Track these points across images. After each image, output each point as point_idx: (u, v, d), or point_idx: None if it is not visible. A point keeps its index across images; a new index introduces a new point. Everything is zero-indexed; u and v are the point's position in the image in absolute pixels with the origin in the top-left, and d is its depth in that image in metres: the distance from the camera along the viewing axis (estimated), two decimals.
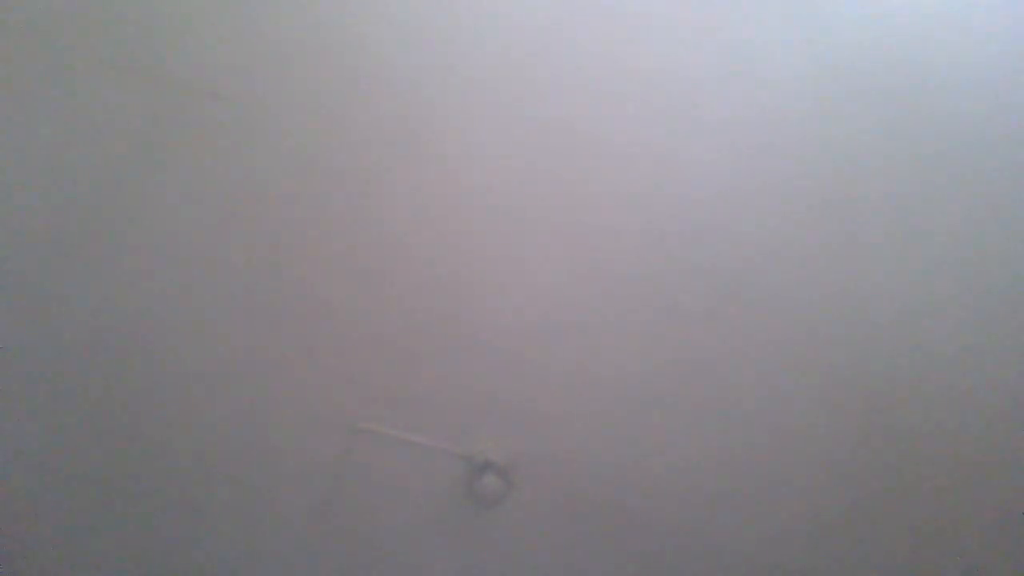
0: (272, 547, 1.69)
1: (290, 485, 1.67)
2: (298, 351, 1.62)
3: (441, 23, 1.53)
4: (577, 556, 1.75)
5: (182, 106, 1.52)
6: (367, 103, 1.55)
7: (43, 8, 1.47)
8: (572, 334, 1.67)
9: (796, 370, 1.71)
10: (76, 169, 1.53)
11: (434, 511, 1.71)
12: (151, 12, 1.49)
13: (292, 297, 1.60)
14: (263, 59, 1.52)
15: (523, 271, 1.63)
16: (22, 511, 1.61)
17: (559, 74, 1.56)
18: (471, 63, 1.55)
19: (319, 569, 1.71)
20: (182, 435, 1.62)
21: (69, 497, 1.62)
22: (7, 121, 1.50)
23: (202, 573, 1.68)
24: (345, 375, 1.64)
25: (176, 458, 1.63)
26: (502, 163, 1.59)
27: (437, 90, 1.55)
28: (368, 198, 1.58)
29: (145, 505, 1.64)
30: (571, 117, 1.58)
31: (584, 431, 1.70)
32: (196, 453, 1.63)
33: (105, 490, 1.63)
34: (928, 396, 1.73)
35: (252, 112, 1.54)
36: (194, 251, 1.57)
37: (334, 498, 1.68)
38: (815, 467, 1.75)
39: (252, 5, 1.50)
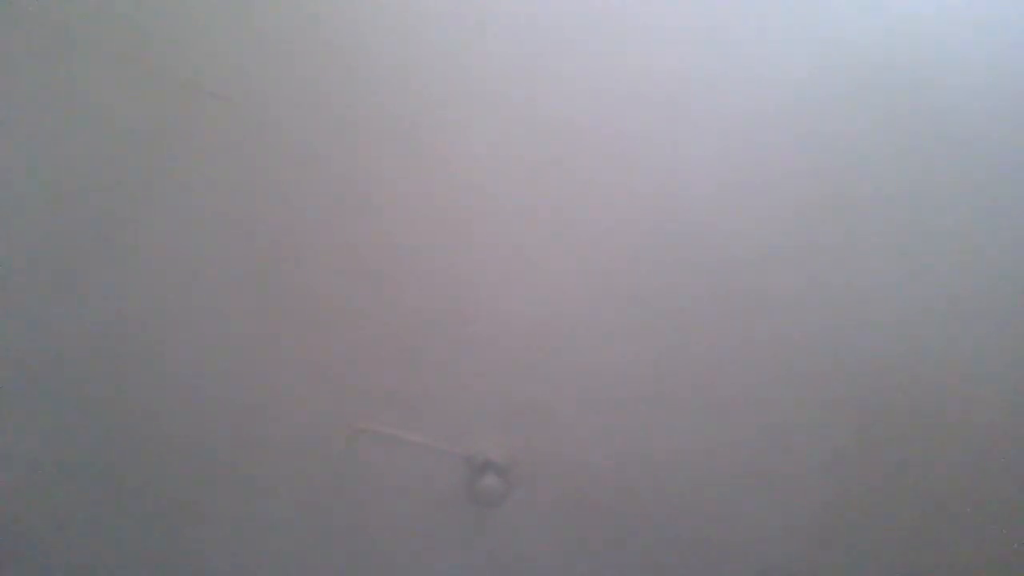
0: (272, 547, 1.69)
1: (290, 485, 1.67)
2: (298, 351, 1.62)
3: (442, 23, 1.53)
4: (577, 556, 1.75)
5: (182, 106, 1.52)
6: (368, 103, 1.55)
7: (43, 8, 1.47)
8: (573, 333, 1.67)
9: (797, 370, 1.71)
10: (76, 169, 1.53)
11: (434, 511, 1.71)
12: (151, 12, 1.49)
13: (292, 297, 1.60)
14: (263, 59, 1.52)
15: (524, 271, 1.64)
16: (21, 511, 1.61)
17: (560, 74, 1.56)
18: (472, 63, 1.55)
19: (319, 569, 1.71)
20: (180, 435, 1.62)
21: (68, 497, 1.62)
22: (7, 121, 1.50)
23: (201, 573, 1.68)
24: (345, 375, 1.64)
25: (175, 458, 1.63)
26: (503, 163, 1.59)
27: (437, 90, 1.55)
28: (368, 198, 1.58)
29: (143, 505, 1.64)
30: (572, 117, 1.58)
31: (585, 431, 1.70)
32: (195, 453, 1.63)
33: (103, 490, 1.63)
34: (928, 396, 1.74)
35: (252, 112, 1.54)
36: (194, 251, 1.57)
37: (334, 498, 1.68)
38: (816, 467, 1.75)
39: (252, 5, 1.50)
